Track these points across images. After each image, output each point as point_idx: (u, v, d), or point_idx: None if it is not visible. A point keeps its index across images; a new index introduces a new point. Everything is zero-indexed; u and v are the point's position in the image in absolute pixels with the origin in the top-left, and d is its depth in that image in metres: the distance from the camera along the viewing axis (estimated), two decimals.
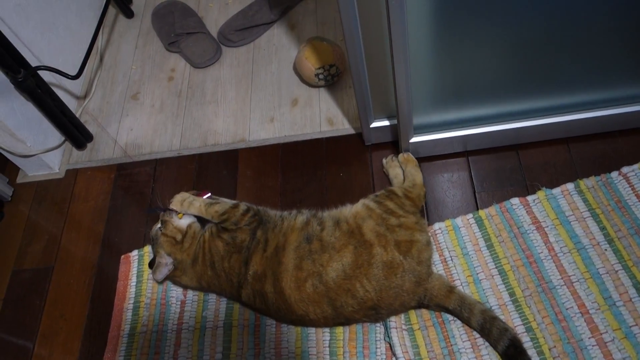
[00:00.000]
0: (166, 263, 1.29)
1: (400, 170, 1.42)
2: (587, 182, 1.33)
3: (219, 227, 1.29)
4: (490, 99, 1.33)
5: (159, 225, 1.33)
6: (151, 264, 1.36)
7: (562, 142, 1.42)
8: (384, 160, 1.46)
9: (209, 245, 1.28)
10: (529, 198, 1.34)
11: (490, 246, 1.29)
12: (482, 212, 1.34)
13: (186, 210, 1.32)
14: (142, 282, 1.43)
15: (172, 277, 1.35)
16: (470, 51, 1.20)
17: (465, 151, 1.46)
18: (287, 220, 1.27)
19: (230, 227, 1.26)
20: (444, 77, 1.26)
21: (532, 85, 1.31)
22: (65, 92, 1.77)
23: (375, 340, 1.23)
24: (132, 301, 1.40)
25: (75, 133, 1.68)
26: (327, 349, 1.24)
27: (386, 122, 1.44)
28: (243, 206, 1.30)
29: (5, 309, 1.47)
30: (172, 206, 1.33)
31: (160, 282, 1.39)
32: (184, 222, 1.32)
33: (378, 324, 1.24)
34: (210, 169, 1.61)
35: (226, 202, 1.31)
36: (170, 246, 1.30)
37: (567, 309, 1.18)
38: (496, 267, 1.26)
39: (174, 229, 1.31)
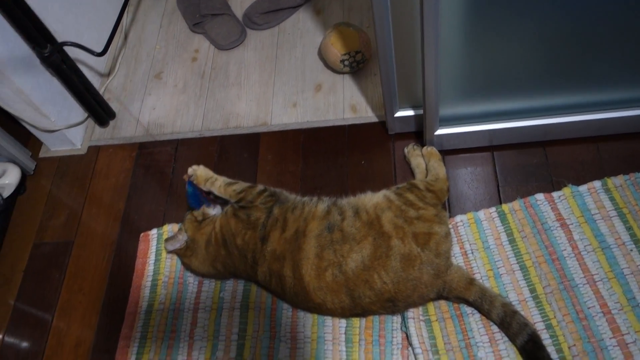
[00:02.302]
0: (180, 238, 1.32)
1: (422, 160, 1.41)
2: (615, 181, 1.30)
3: (235, 206, 1.30)
4: (520, 93, 1.30)
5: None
6: None
7: (591, 141, 1.39)
8: (406, 150, 1.45)
9: (221, 224, 1.30)
10: (554, 194, 1.32)
11: (512, 241, 1.28)
12: (505, 207, 1.33)
13: (208, 188, 1.36)
14: (160, 260, 1.43)
15: (182, 260, 1.37)
16: (502, 43, 1.18)
17: (491, 146, 1.44)
18: (307, 206, 1.26)
19: (246, 205, 1.28)
20: (474, 68, 1.23)
21: (563, 81, 1.28)
22: (90, 69, 1.77)
23: (392, 330, 1.22)
24: (150, 279, 1.41)
25: (98, 110, 1.68)
26: (343, 335, 1.24)
27: (411, 112, 1.43)
28: (260, 186, 1.32)
29: (26, 281, 1.49)
30: (194, 180, 1.37)
31: (168, 252, 1.42)
32: (213, 211, 1.36)
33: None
34: (231, 152, 1.60)
35: (244, 183, 1.34)
36: (190, 223, 1.33)
37: (588, 308, 1.16)
38: (517, 263, 1.25)
39: (201, 211, 1.34)
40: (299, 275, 1.18)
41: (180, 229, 1.34)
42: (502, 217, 1.31)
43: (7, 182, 1.57)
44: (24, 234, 1.57)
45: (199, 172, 1.38)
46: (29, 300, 1.46)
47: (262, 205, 1.28)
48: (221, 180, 1.36)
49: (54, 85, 1.58)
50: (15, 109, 1.52)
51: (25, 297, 1.47)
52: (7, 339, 1.41)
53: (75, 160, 1.70)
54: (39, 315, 1.43)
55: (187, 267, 1.38)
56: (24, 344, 1.40)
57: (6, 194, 1.57)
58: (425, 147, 1.42)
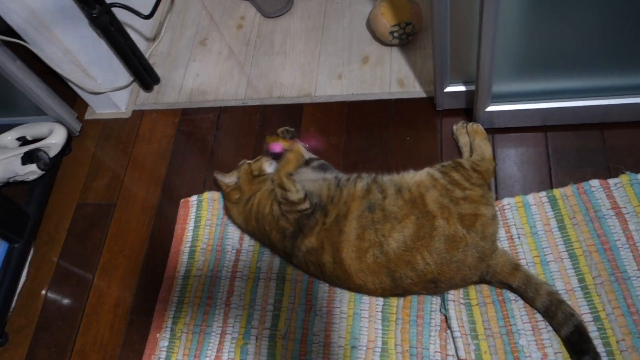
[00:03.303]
0: (231, 177, 1.33)
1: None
2: None
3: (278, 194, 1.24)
4: (581, 70, 1.23)
5: (250, 161, 1.36)
6: None
7: None
8: (455, 127, 1.39)
9: (260, 199, 1.28)
10: (611, 181, 1.25)
11: (562, 227, 1.22)
12: (556, 191, 1.27)
13: (274, 167, 1.32)
14: (199, 227, 1.44)
15: (226, 203, 1.37)
16: (564, 17, 1.10)
17: (544, 126, 1.37)
18: (346, 188, 1.23)
19: (282, 208, 1.23)
20: (532, 43, 1.16)
21: (627, 60, 1.20)
22: (136, 32, 1.77)
23: (431, 311, 1.19)
24: (188, 245, 1.42)
25: (144, 74, 1.68)
26: (380, 313, 1.22)
27: (462, 87, 1.37)
28: (306, 205, 1.20)
29: (69, 240, 1.52)
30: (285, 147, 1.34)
31: (215, 182, 1.41)
32: (270, 168, 1.34)
33: (435, 295, 1.21)
34: (273, 122, 1.58)
35: (298, 193, 1.20)
36: (245, 174, 1.32)
37: None
38: (567, 250, 1.19)
39: (259, 167, 1.33)
40: (339, 260, 1.16)
41: (232, 173, 1.34)
42: (553, 202, 1.26)
43: (53, 141, 1.60)
44: (68, 193, 1.60)
45: (293, 155, 1.29)
46: (72, 259, 1.49)
47: (295, 218, 1.21)
48: (287, 167, 1.26)
49: (101, 47, 1.58)
50: (64, 69, 1.53)
51: (68, 255, 1.50)
52: (49, 294, 1.45)
53: (120, 124, 1.71)
54: (80, 273, 1.46)
55: (227, 211, 1.39)
56: (66, 301, 1.44)
57: (52, 153, 1.60)
58: (470, 124, 1.36)
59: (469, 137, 1.35)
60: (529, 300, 1.14)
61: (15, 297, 1.46)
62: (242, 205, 1.32)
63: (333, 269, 1.18)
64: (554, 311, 1.09)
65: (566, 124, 1.35)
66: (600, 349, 1.07)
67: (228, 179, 1.33)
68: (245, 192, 1.31)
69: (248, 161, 1.35)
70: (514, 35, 1.14)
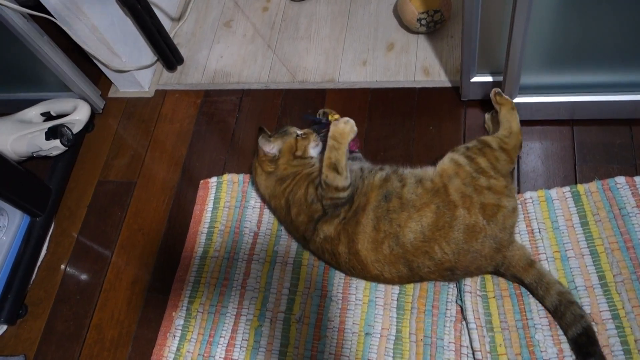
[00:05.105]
0: (273, 146, 1.28)
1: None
2: None
3: (315, 181, 1.22)
4: (613, 64, 1.20)
5: (300, 132, 1.30)
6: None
7: None
8: (486, 116, 1.37)
9: (297, 181, 1.25)
10: (637, 179, 1.22)
11: (584, 224, 1.20)
12: (580, 187, 1.24)
13: (330, 142, 1.19)
14: (218, 209, 1.44)
15: (256, 170, 1.32)
16: (600, 8, 1.07)
17: (571, 120, 1.34)
18: (367, 179, 1.21)
19: (319, 193, 1.20)
20: (565, 33, 1.14)
21: None
22: (162, 12, 1.77)
23: (447, 302, 1.19)
24: (206, 226, 1.43)
25: (168, 54, 1.68)
26: (395, 302, 1.22)
27: (489, 78, 1.35)
28: (346, 194, 1.17)
29: (89, 216, 1.54)
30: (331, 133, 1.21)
31: (260, 145, 1.29)
32: (315, 152, 1.30)
33: (451, 286, 1.20)
34: (295, 106, 1.58)
35: (346, 180, 1.17)
36: (287, 150, 1.28)
37: None
38: (588, 247, 1.17)
39: (305, 146, 1.29)
40: (354, 251, 1.16)
41: (275, 140, 1.28)
42: (576, 197, 1.24)
43: (77, 118, 1.62)
44: (90, 170, 1.62)
45: (340, 127, 1.20)
46: (91, 235, 1.51)
47: (326, 204, 1.19)
48: (338, 152, 1.18)
49: (128, 26, 1.59)
50: (90, 46, 1.54)
51: (87, 231, 1.52)
52: (69, 269, 1.48)
53: (142, 103, 1.72)
54: (99, 250, 1.48)
55: (255, 179, 1.34)
56: (84, 276, 1.46)
57: (76, 129, 1.62)
58: (497, 93, 1.28)
59: (496, 107, 1.29)
60: (539, 299, 1.13)
61: (36, 271, 1.49)
62: (273, 179, 1.28)
63: (348, 259, 1.17)
64: (562, 311, 1.08)
65: (594, 119, 1.32)
66: (617, 347, 1.06)
67: (269, 148, 1.27)
68: (280, 169, 1.27)
69: (296, 130, 1.28)
70: (547, 26, 1.12)
